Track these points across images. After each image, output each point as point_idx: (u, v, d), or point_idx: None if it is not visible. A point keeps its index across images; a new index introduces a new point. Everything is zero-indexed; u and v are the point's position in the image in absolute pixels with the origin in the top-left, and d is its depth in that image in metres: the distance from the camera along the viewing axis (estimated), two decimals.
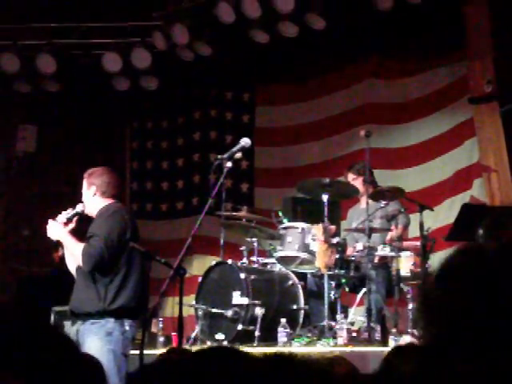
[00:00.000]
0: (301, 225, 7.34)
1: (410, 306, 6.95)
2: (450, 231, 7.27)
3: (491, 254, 1.37)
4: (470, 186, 8.56)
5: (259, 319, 6.79)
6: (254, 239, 7.50)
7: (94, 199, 5.47)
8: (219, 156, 5.88)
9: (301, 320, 7.15)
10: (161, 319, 7.90)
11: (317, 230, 7.13)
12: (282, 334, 6.68)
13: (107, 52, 9.17)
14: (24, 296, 8.95)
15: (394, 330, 6.67)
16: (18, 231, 9.79)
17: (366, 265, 7.06)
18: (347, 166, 8.01)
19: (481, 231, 3.70)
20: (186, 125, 10.65)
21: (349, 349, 6.29)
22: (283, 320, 6.74)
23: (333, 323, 6.80)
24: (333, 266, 7.05)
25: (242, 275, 6.94)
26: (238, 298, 6.89)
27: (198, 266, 9.15)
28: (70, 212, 5.47)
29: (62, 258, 5.43)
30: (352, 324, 7.02)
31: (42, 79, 9.37)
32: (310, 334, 6.99)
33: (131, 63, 9.18)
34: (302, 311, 7.18)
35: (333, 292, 7.09)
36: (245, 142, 5.84)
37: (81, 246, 5.25)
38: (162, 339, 7.57)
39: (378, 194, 7.29)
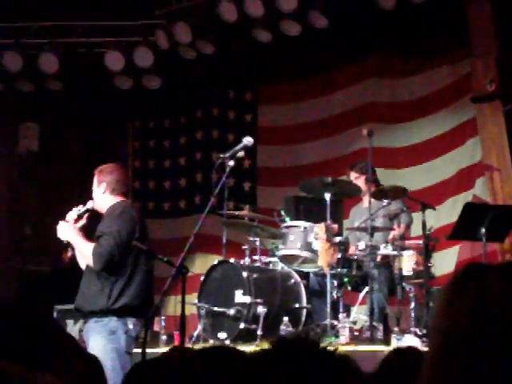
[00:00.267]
0: (303, 224, 7.34)
1: (412, 304, 6.95)
2: (452, 230, 7.27)
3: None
4: (472, 185, 8.56)
5: (261, 318, 6.79)
6: (257, 238, 7.50)
7: (103, 196, 5.47)
8: (222, 155, 5.87)
9: (303, 319, 7.15)
10: (163, 318, 7.91)
11: (319, 228, 7.13)
12: (284, 332, 6.68)
13: (110, 51, 9.17)
14: (26, 294, 8.95)
15: (396, 329, 6.67)
16: (20, 229, 9.80)
17: (368, 264, 7.06)
18: (350, 165, 8.01)
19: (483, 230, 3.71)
20: (188, 124, 10.65)
21: (351, 348, 6.29)
22: (285, 319, 6.74)
23: (335, 322, 6.80)
24: (335, 265, 7.05)
25: (245, 274, 6.94)
26: (240, 296, 6.89)
27: (201, 264, 9.15)
28: (80, 209, 5.47)
29: (72, 259, 5.42)
30: (354, 323, 7.01)
31: (44, 78, 9.37)
32: (312, 333, 6.99)
33: (134, 62, 9.17)
34: (305, 310, 7.19)
35: (335, 291, 7.08)
36: (247, 140, 5.84)
37: (90, 245, 5.24)
38: (164, 338, 7.57)
39: (380, 193, 7.29)
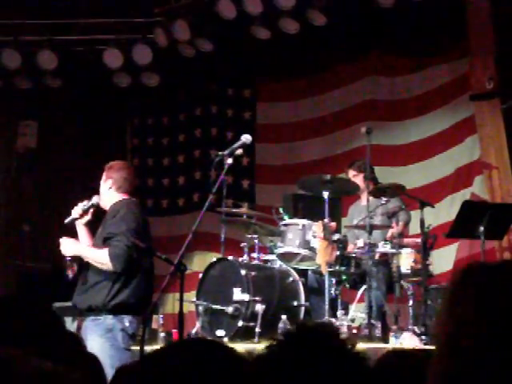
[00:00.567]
0: (301, 221, 7.34)
1: (411, 302, 6.96)
2: (450, 228, 7.28)
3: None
4: (470, 183, 8.57)
5: (260, 316, 6.79)
6: (255, 236, 7.49)
7: (109, 192, 5.49)
8: (220, 152, 5.88)
9: (301, 316, 7.15)
10: (161, 315, 7.90)
11: (317, 226, 7.13)
12: (282, 330, 6.68)
13: (108, 48, 9.15)
14: (24, 291, 8.95)
15: (394, 327, 6.67)
16: (19, 227, 9.78)
17: (366, 261, 7.06)
18: (348, 163, 8.02)
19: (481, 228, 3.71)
20: (186, 121, 10.65)
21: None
22: (284, 317, 6.74)
23: (333, 320, 6.79)
24: (333, 263, 7.05)
25: (243, 272, 6.94)
26: (238, 294, 6.89)
27: (199, 262, 9.16)
28: (86, 204, 5.47)
29: (76, 274, 5.39)
30: (352, 321, 7.02)
31: (43, 75, 9.35)
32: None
33: (132, 59, 9.16)
34: (303, 308, 7.18)
35: (333, 289, 7.09)
36: (246, 138, 5.84)
37: (103, 251, 5.22)
38: (162, 335, 7.56)
39: (378, 191, 7.29)
